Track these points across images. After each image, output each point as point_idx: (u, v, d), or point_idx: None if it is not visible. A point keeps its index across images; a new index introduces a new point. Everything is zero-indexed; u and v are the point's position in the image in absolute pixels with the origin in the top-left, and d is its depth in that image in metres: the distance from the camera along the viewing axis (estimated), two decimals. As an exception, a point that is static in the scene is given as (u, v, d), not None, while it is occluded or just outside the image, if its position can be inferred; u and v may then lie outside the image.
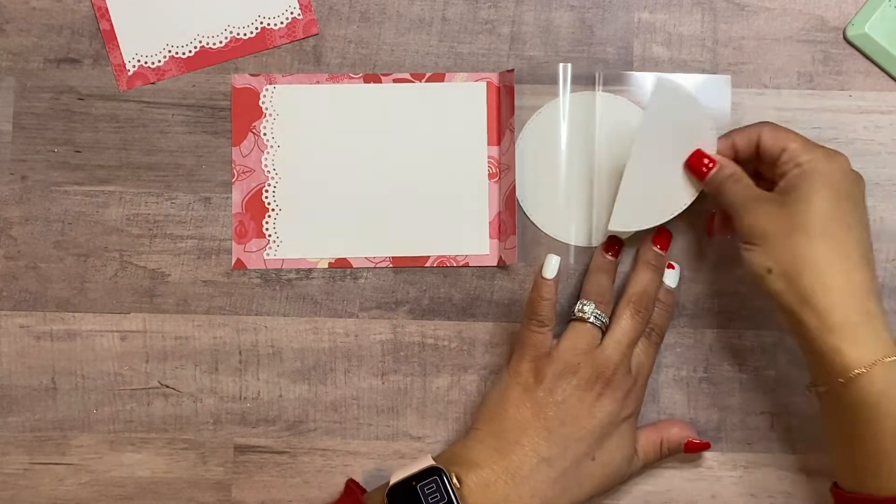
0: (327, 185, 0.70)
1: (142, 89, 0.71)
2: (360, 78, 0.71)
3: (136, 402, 0.69)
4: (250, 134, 0.71)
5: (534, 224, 0.70)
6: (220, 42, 0.71)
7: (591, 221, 0.69)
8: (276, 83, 0.71)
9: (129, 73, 0.71)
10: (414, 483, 0.61)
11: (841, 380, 0.57)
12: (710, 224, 0.68)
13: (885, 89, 0.70)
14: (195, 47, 0.71)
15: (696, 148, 0.64)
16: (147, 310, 0.70)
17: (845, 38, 0.70)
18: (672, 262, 0.68)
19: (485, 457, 0.62)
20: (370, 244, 0.70)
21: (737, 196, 0.62)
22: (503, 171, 0.70)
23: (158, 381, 0.70)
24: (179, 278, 0.70)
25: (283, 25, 0.71)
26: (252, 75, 0.71)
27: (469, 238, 0.70)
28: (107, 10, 0.71)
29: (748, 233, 0.60)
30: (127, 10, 0.70)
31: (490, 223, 0.70)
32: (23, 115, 0.70)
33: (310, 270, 0.70)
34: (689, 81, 0.69)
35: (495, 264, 0.70)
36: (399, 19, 0.71)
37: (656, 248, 0.67)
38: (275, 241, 0.70)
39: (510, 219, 0.69)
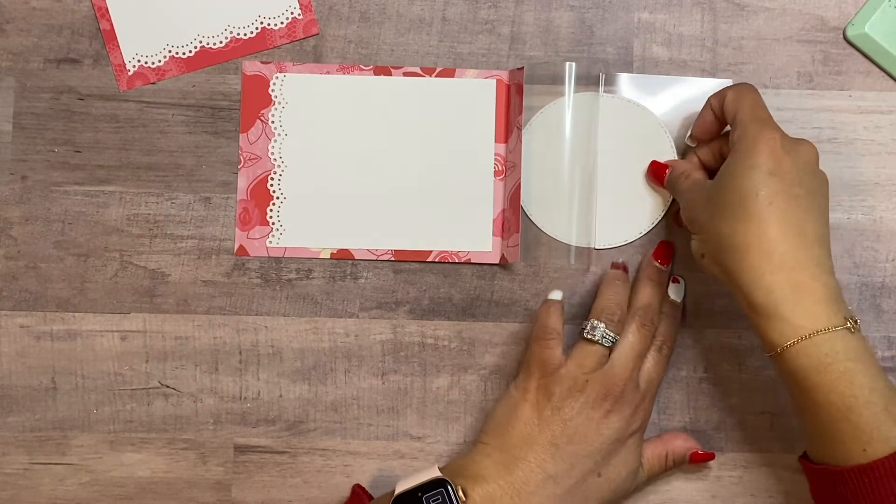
0: (333, 175, 0.70)
1: (142, 89, 0.71)
2: (369, 70, 0.71)
3: (136, 402, 0.69)
4: (258, 121, 0.70)
5: (534, 224, 0.70)
6: (221, 42, 0.71)
7: (593, 222, 0.69)
8: (286, 72, 0.71)
9: (130, 73, 0.70)
10: (420, 494, 0.61)
11: (769, 355, 0.59)
12: (676, 217, 0.69)
13: (885, 89, 0.70)
14: (195, 47, 0.71)
15: (653, 159, 0.69)
16: (147, 310, 0.70)
17: (845, 38, 0.70)
18: (677, 276, 0.68)
19: (491, 471, 0.62)
20: (372, 237, 0.70)
21: (682, 191, 0.66)
22: (509, 168, 0.70)
23: (158, 381, 0.70)
24: (179, 278, 0.70)
25: (284, 25, 0.71)
26: (263, 63, 0.70)
27: (472, 235, 0.70)
28: (107, 10, 0.71)
29: (688, 223, 0.64)
30: (127, 10, 0.70)
31: (494, 221, 0.70)
32: (23, 115, 0.70)
33: (310, 270, 0.70)
34: (692, 88, 0.70)
35: (497, 262, 0.70)
36: (399, 19, 0.71)
37: (657, 263, 0.67)
38: (278, 230, 0.70)
39: (514, 217, 0.69)
